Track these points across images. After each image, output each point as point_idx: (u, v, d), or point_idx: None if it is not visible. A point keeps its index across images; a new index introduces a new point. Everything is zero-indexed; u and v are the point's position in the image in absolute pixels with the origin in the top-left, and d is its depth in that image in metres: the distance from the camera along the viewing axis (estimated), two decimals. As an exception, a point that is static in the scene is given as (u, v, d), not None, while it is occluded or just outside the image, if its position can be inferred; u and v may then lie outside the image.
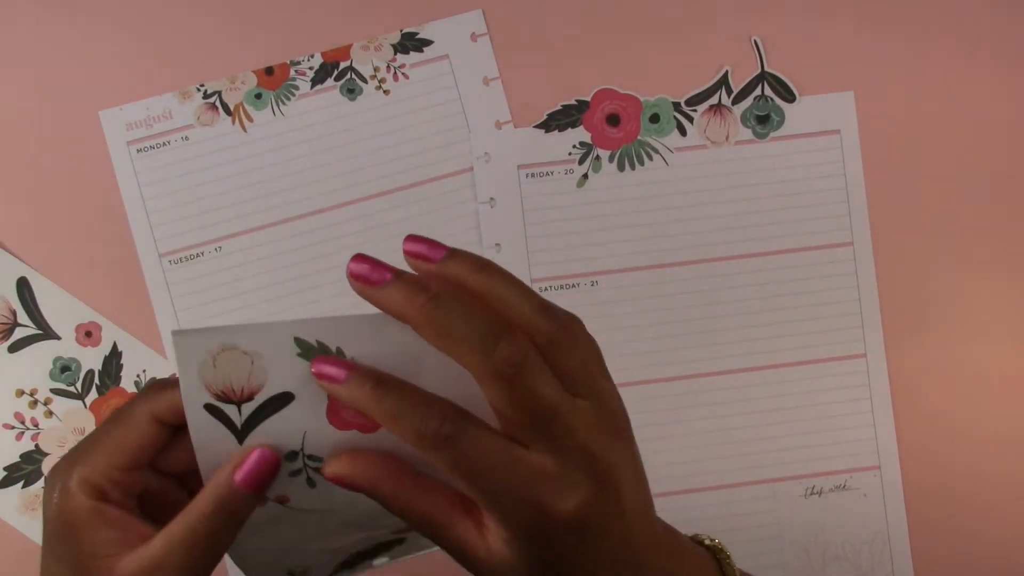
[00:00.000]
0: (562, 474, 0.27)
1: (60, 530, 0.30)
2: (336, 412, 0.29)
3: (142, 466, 0.30)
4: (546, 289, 0.52)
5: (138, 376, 0.52)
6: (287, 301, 0.52)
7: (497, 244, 0.52)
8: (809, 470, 0.52)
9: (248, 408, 0.28)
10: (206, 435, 0.28)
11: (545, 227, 0.53)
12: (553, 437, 0.27)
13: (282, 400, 0.28)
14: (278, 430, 0.28)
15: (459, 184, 0.53)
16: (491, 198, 0.53)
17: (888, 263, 0.53)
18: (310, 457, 0.29)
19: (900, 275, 0.53)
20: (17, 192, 0.52)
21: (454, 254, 0.29)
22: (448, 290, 0.28)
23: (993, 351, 0.53)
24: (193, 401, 0.28)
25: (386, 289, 0.28)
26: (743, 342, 0.52)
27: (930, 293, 0.53)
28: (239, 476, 0.28)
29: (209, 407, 0.28)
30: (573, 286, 0.52)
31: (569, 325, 0.29)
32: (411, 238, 0.29)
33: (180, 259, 0.52)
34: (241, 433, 0.28)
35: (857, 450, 0.52)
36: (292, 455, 0.29)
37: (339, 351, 0.28)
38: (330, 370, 0.28)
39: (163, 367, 0.52)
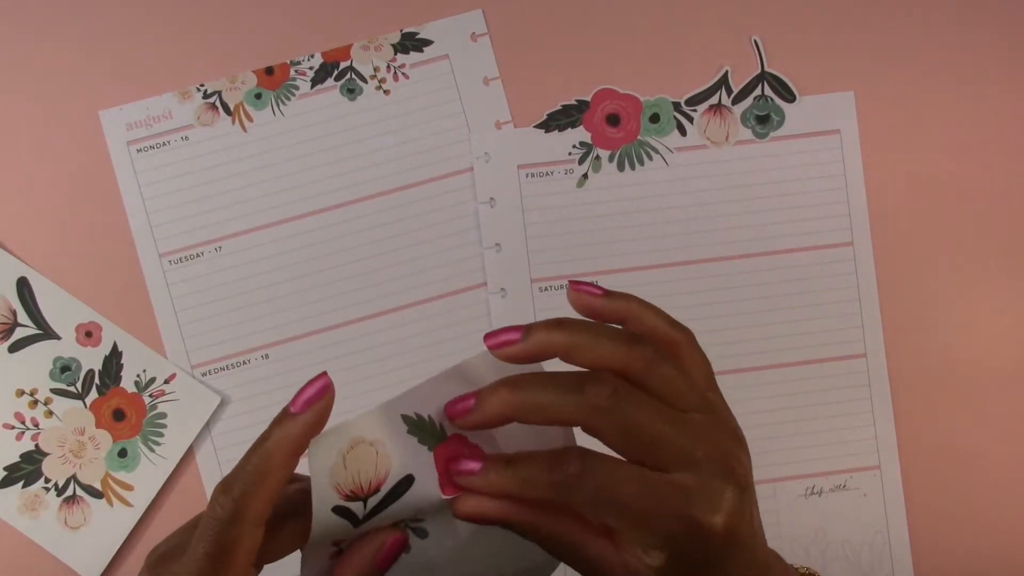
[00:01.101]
0: (704, 486, 0.28)
1: (216, 548, 0.28)
2: (449, 482, 0.30)
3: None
4: (546, 289, 0.52)
5: (138, 376, 0.52)
6: (287, 301, 0.52)
7: (497, 244, 0.52)
8: (809, 470, 0.52)
9: (374, 500, 0.29)
10: (326, 530, 0.29)
11: (545, 227, 0.53)
12: (679, 454, 0.28)
13: (405, 484, 0.29)
14: (396, 511, 0.29)
15: (459, 184, 0.53)
16: (491, 198, 0.53)
17: (888, 263, 0.53)
18: (414, 519, 0.31)
19: (900, 275, 0.53)
20: (17, 192, 0.52)
21: (530, 329, 0.30)
22: (525, 376, 0.29)
23: (993, 351, 0.53)
24: (322, 506, 0.28)
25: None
26: (743, 342, 0.52)
27: (930, 293, 0.53)
28: (379, 565, 0.30)
29: (337, 508, 0.28)
30: (573, 286, 0.52)
31: (670, 345, 0.30)
32: (490, 335, 0.30)
33: (180, 259, 0.52)
34: (361, 523, 0.29)
35: (857, 450, 0.52)
36: (398, 522, 0.30)
37: (430, 419, 0.30)
38: (467, 466, 0.29)
39: (163, 367, 0.52)
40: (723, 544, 0.28)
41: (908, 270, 0.53)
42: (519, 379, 0.29)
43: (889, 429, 0.52)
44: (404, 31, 0.53)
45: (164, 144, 0.53)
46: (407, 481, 0.29)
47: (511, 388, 0.29)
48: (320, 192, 0.53)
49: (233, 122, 0.53)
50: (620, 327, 0.31)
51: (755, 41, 0.53)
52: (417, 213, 0.53)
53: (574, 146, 0.53)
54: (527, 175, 0.53)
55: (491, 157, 0.53)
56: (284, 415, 0.30)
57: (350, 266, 0.52)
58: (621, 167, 0.53)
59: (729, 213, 0.53)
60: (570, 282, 0.32)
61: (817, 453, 0.52)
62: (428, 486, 0.29)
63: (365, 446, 0.28)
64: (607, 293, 0.31)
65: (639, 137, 0.53)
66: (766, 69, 0.53)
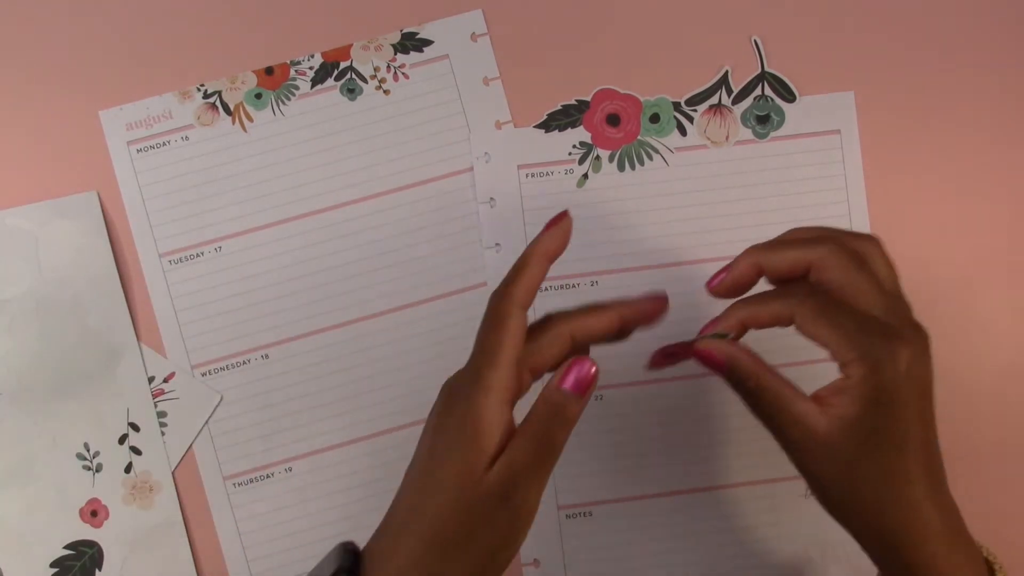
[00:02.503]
0: (900, 331, 0.35)
1: (464, 436, 0.36)
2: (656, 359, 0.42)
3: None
4: (546, 289, 0.52)
5: (138, 376, 0.52)
6: (287, 301, 0.52)
7: (497, 244, 0.52)
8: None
9: None
10: None
11: (545, 227, 0.53)
12: (885, 306, 0.36)
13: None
14: None
15: (459, 184, 0.53)
16: (491, 198, 0.53)
17: None
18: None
19: (900, 275, 0.53)
20: (17, 192, 0.52)
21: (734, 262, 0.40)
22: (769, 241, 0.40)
23: (994, 350, 0.53)
24: None
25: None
26: (742, 342, 0.52)
27: (930, 294, 0.53)
28: (566, 383, 0.37)
29: None
30: (573, 286, 0.52)
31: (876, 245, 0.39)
32: (708, 283, 0.41)
33: (180, 259, 0.52)
34: None
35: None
36: None
37: None
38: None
39: (163, 367, 0.52)
40: (911, 384, 0.35)
41: (908, 270, 0.53)
42: (764, 244, 0.39)
43: None
44: (404, 31, 0.53)
45: (164, 144, 0.53)
46: None
47: (759, 249, 0.39)
48: (320, 192, 0.53)
49: (233, 122, 0.53)
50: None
51: (755, 41, 0.53)
52: (417, 213, 0.53)
53: (574, 146, 0.53)
54: (527, 175, 0.53)
55: (491, 157, 0.53)
56: (538, 235, 0.40)
57: (350, 266, 0.52)
58: (621, 167, 0.53)
59: (729, 213, 0.53)
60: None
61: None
62: None
63: None
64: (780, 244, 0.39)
65: (639, 137, 0.53)
66: (766, 69, 0.53)
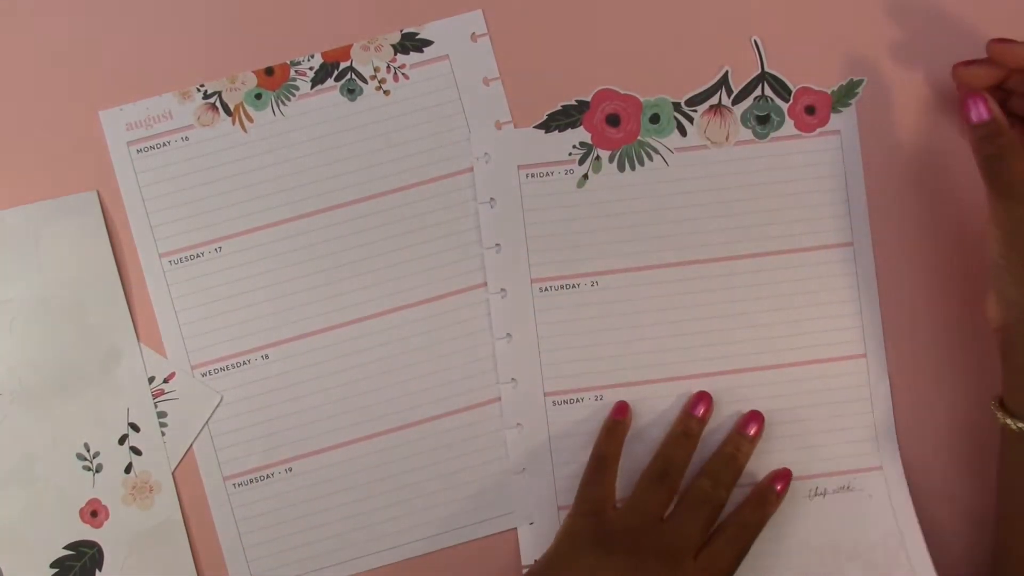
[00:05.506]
0: None
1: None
2: None
3: None
4: (546, 289, 0.52)
5: (138, 376, 0.52)
6: (287, 301, 0.52)
7: (497, 244, 0.52)
8: (812, 471, 0.52)
9: None
10: None
11: (545, 227, 0.53)
12: None
13: None
14: None
15: (459, 184, 0.53)
16: (491, 198, 0.53)
17: (888, 263, 0.53)
18: None
19: (900, 275, 0.53)
20: (17, 192, 0.52)
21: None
22: None
23: (994, 350, 0.53)
24: None
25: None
26: (743, 342, 0.52)
27: (931, 293, 0.53)
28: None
29: None
30: (573, 286, 0.52)
31: None
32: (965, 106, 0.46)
33: (180, 259, 0.52)
34: None
35: (858, 451, 0.52)
36: None
37: None
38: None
39: (163, 367, 0.52)
40: None
41: (908, 270, 0.53)
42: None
43: (890, 429, 0.52)
44: (404, 31, 0.53)
45: (164, 144, 0.53)
46: None
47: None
48: (320, 192, 0.53)
49: (233, 122, 0.53)
50: None
51: (755, 41, 0.53)
52: (417, 213, 0.53)
53: (574, 146, 0.53)
54: (527, 175, 0.53)
55: (491, 157, 0.53)
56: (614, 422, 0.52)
57: (350, 266, 0.52)
58: (621, 167, 0.53)
59: (729, 213, 0.53)
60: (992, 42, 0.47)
61: (818, 454, 0.52)
62: None
63: None
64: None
65: (639, 137, 0.53)
66: (766, 69, 0.53)
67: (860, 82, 0.53)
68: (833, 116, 0.53)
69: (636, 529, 0.47)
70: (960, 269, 0.53)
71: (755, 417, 0.51)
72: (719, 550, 0.47)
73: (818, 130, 0.53)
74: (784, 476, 0.51)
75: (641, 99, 0.53)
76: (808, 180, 0.53)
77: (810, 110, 0.53)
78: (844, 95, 0.53)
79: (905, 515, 0.51)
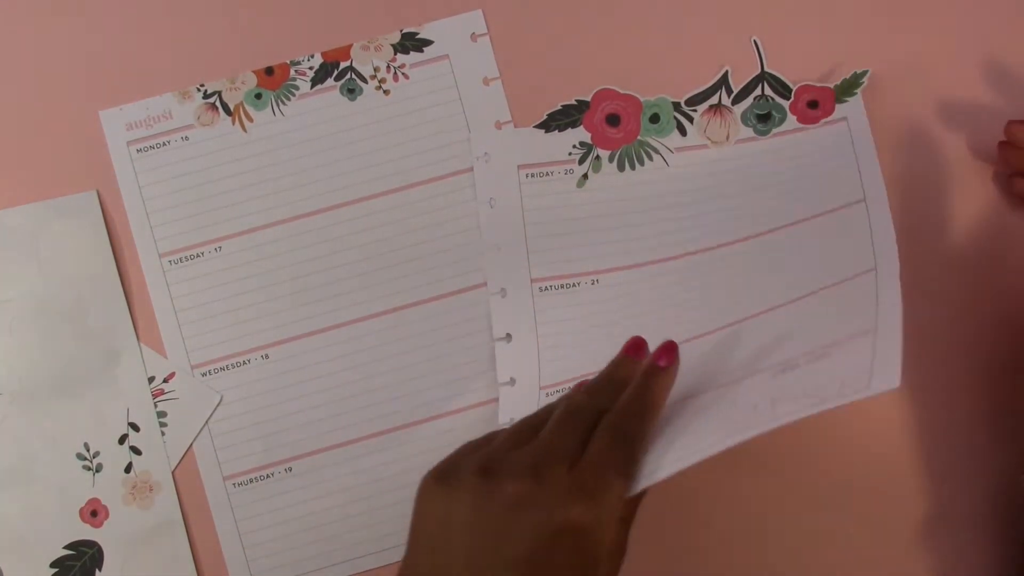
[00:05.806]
0: None
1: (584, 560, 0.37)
2: None
3: None
4: (546, 289, 0.52)
5: (138, 376, 0.52)
6: (287, 301, 0.52)
7: (497, 244, 0.52)
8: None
9: None
10: None
11: (545, 227, 0.53)
12: None
13: None
14: None
15: (459, 184, 0.53)
16: (491, 198, 0.53)
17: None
18: None
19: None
20: (17, 192, 0.52)
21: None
22: None
23: (1000, 350, 0.53)
24: None
25: None
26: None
27: (946, 282, 0.52)
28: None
29: None
30: (573, 286, 0.52)
31: None
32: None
33: (180, 259, 0.52)
34: None
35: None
36: None
37: None
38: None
39: (163, 367, 0.52)
40: None
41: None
42: None
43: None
44: (404, 31, 0.53)
45: (164, 144, 0.53)
46: None
47: None
48: (320, 192, 0.53)
49: (233, 122, 0.53)
50: None
51: (755, 41, 0.53)
52: (417, 213, 0.53)
53: (574, 146, 0.53)
54: (527, 175, 0.53)
55: (491, 157, 0.53)
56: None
57: (350, 266, 0.53)
58: (621, 167, 0.53)
59: (730, 210, 0.52)
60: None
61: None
62: None
63: None
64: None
65: (639, 137, 0.53)
66: (766, 69, 0.53)
67: (864, 73, 0.52)
68: (838, 106, 0.52)
69: (492, 458, 0.39)
70: (970, 257, 0.53)
71: (669, 347, 0.42)
72: (598, 450, 0.38)
73: (823, 121, 0.52)
74: (669, 349, 0.41)
75: (641, 99, 0.53)
76: (816, 171, 0.51)
77: (813, 104, 0.52)
78: (847, 88, 0.52)
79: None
